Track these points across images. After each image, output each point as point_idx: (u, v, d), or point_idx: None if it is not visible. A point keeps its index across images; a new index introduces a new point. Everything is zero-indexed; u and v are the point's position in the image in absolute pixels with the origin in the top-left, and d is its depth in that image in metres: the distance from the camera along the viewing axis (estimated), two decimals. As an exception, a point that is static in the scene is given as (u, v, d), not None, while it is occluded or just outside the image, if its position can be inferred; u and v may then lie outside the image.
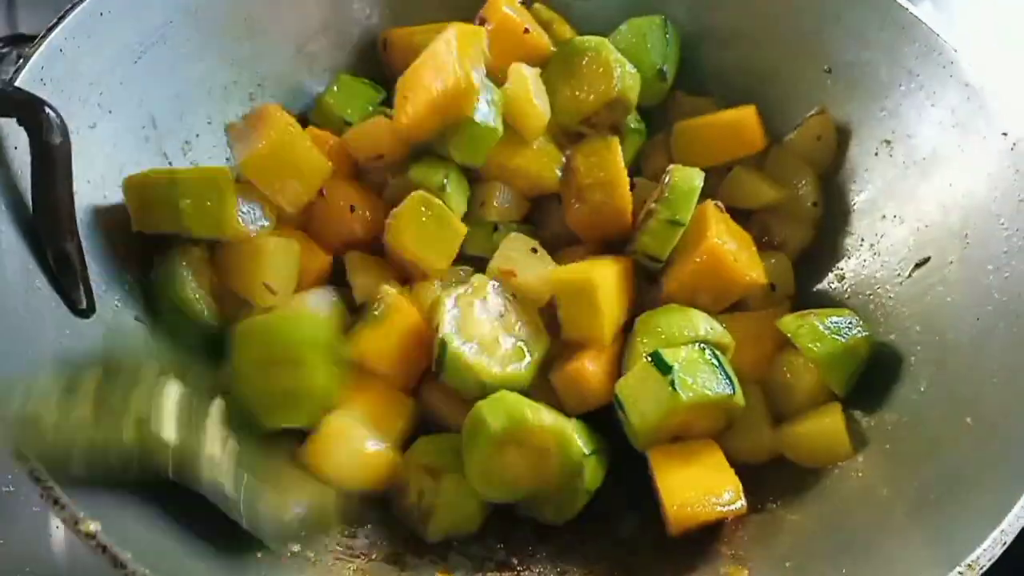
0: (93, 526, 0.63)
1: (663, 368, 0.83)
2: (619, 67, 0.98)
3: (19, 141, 0.79)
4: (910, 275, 0.94)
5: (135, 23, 0.90)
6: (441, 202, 0.93)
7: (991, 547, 0.68)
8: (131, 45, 0.90)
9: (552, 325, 0.92)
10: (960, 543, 0.70)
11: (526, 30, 1.01)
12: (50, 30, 0.83)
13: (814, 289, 1.03)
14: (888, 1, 0.98)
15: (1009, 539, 0.69)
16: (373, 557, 0.84)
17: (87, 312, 0.81)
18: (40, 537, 0.92)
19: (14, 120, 0.78)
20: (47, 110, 0.78)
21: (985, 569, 0.68)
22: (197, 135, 0.97)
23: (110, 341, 0.82)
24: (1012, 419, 0.77)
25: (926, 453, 0.82)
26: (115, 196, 0.88)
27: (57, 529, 0.93)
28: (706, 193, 0.94)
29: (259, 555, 0.78)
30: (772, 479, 0.90)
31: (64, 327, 0.78)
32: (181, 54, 0.94)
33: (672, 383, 0.82)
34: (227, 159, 0.99)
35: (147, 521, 0.71)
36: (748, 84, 1.08)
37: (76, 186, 0.83)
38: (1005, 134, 0.89)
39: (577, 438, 0.83)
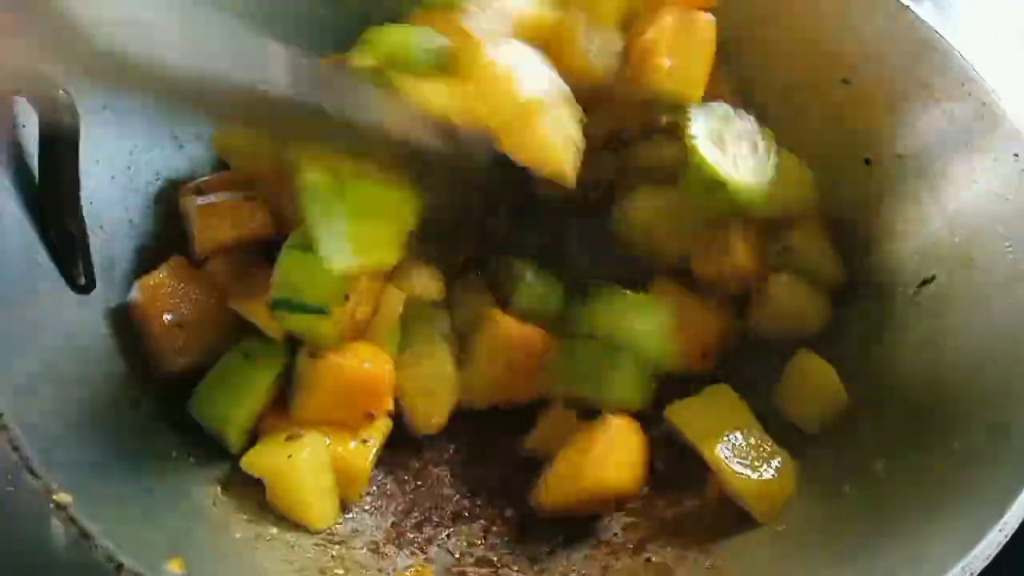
0: (66, 497, 0.65)
1: None
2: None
3: (27, 119, 0.81)
4: (913, 294, 0.93)
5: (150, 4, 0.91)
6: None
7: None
8: (145, 28, 0.91)
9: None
10: (930, 568, 0.69)
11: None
12: (66, 12, 0.85)
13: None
14: (910, 15, 0.96)
15: (977, 569, 0.68)
16: (352, 545, 0.85)
17: (87, 288, 0.82)
18: (40, 537, 0.93)
19: (24, 98, 0.80)
20: (58, 89, 0.80)
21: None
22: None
23: (110, 318, 0.85)
24: (997, 448, 0.76)
25: (912, 474, 0.81)
26: (122, 176, 0.90)
27: (57, 529, 0.94)
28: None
29: (238, 536, 0.80)
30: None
31: (65, 304, 0.80)
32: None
33: None
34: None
35: (124, 497, 0.72)
36: (763, 90, 1.07)
37: (84, 166, 0.85)
38: (1016, 156, 0.87)
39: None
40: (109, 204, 0.88)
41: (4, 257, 0.76)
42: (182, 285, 0.87)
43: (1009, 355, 0.82)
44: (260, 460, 0.83)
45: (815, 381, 0.92)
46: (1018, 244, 0.85)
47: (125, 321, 0.86)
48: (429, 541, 0.88)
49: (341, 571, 0.82)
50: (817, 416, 0.92)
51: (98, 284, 0.84)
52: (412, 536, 0.88)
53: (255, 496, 0.85)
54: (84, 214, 0.83)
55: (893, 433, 0.86)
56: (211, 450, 0.86)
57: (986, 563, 0.68)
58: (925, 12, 0.94)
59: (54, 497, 0.65)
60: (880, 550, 0.76)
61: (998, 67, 0.92)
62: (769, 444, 0.87)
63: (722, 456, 0.85)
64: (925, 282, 0.92)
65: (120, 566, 0.64)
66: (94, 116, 0.87)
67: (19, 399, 0.68)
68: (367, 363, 0.85)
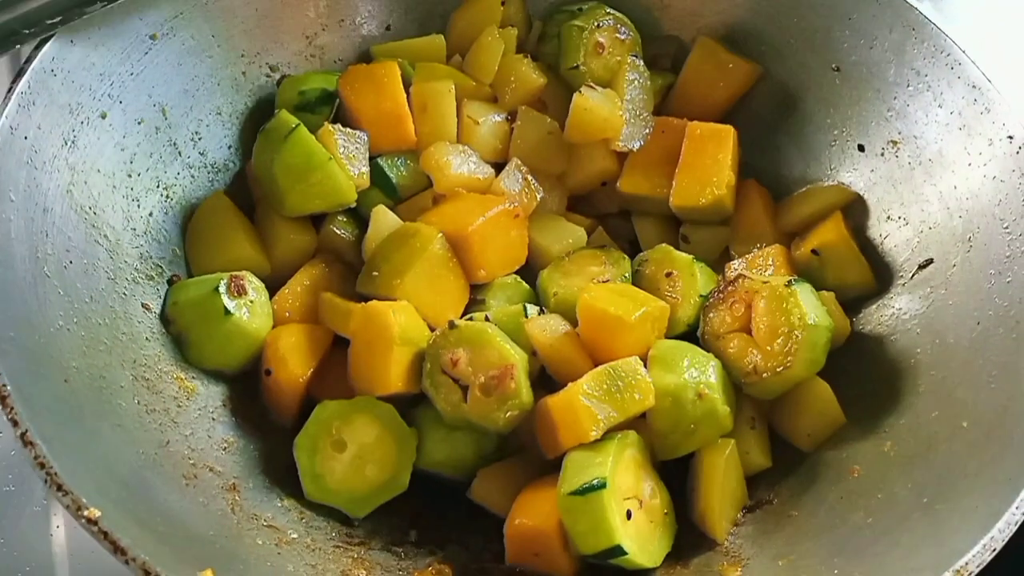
0: (95, 512, 0.65)
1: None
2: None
3: (28, 131, 0.80)
4: (912, 277, 0.94)
5: (146, 15, 0.91)
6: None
7: (980, 553, 0.69)
8: (142, 37, 0.91)
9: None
10: (950, 548, 0.70)
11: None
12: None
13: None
14: (898, 1, 0.98)
15: (999, 546, 0.69)
16: (371, 546, 0.86)
17: None
18: (40, 537, 0.93)
19: (28, 114, 0.80)
20: None
21: (975, 574, 0.69)
22: (207, 126, 0.98)
23: (115, 329, 0.84)
24: (1007, 424, 0.78)
25: (922, 455, 0.82)
26: (124, 185, 0.90)
27: (57, 529, 0.94)
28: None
29: (260, 542, 0.80)
30: (770, 476, 0.91)
31: (71, 314, 0.79)
32: (191, 46, 0.95)
33: None
34: (229, 147, 1.00)
35: (147, 509, 0.72)
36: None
37: (86, 176, 0.86)
38: (1011, 137, 0.89)
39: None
40: (112, 213, 0.88)
41: (11, 272, 0.75)
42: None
43: (1008, 335, 0.84)
44: None
45: (815, 403, 0.91)
46: (1014, 224, 0.87)
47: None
48: (447, 539, 0.88)
49: (363, 572, 0.82)
50: (812, 434, 0.91)
51: (107, 290, 0.84)
52: (429, 535, 0.88)
53: (271, 499, 0.85)
54: (90, 224, 0.83)
55: (899, 415, 0.88)
56: (223, 456, 0.86)
57: (1004, 542, 0.70)
58: (924, 12, 0.96)
59: (84, 513, 0.64)
60: (895, 533, 0.77)
61: (994, 55, 0.94)
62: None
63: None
64: (923, 265, 0.94)
65: (158, 580, 0.64)
66: (92, 124, 0.87)
67: (43, 417, 0.68)
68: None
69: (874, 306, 0.96)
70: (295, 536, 0.82)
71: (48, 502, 0.94)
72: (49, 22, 0.83)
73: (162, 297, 0.91)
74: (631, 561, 0.80)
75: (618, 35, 1.06)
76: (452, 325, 0.88)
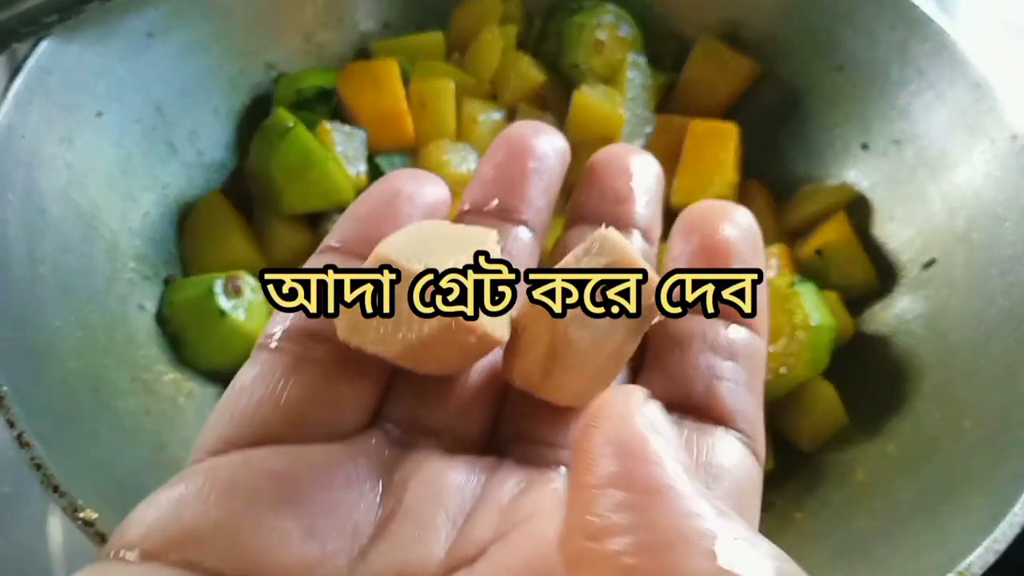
0: (93, 514, 0.64)
1: None
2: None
3: (26, 130, 0.80)
4: (916, 277, 0.94)
5: (144, 13, 0.90)
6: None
7: (983, 555, 0.68)
8: (139, 35, 0.90)
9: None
10: (953, 549, 0.70)
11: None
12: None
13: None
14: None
15: (1002, 547, 0.68)
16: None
17: None
18: (38, 539, 0.92)
19: (25, 113, 0.79)
20: None
21: (978, 576, 0.69)
22: (204, 124, 0.98)
23: (112, 329, 0.83)
24: (1010, 425, 0.77)
25: (925, 456, 0.82)
26: (121, 184, 0.89)
27: (55, 531, 0.93)
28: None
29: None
30: (773, 478, 0.90)
31: (68, 315, 0.79)
32: (189, 44, 0.94)
33: None
34: (226, 145, 1.00)
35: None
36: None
37: (84, 175, 0.85)
38: (1014, 136, 0.88)
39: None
40: (109, 212, 0.87)
41: (8, 272, 0.75)
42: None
43: (1011, 335, 0.83)
44: None
45: (818, 404, 0.90)
46: (1017, 224, 0.87)
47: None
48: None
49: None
50: (815, 435, 0.90)
51: (104, 290, 0.83)
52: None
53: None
54: (87, 224, 0.83)
55: (902, 416, 0.87)
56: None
57: (1008, 543, 0.69)
58: (926, 7, 0.95)
59: (81, 515, 0.64)
60: (898, 535, 0.77)
61: (997, 54, 0.94)
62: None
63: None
64: (927, 264, 0.93)
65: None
66: (89, 123, 0.86)
67: (40, 417, 0.67)
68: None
69: (877, 306, 0.96)
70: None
71: (46, 504, 0.94)
72: (46, 20, 0.83)
73: (158, 297, 0.90)
74: None
75: (619, 32, 1.06)
76: (452, 325, 0.87)
